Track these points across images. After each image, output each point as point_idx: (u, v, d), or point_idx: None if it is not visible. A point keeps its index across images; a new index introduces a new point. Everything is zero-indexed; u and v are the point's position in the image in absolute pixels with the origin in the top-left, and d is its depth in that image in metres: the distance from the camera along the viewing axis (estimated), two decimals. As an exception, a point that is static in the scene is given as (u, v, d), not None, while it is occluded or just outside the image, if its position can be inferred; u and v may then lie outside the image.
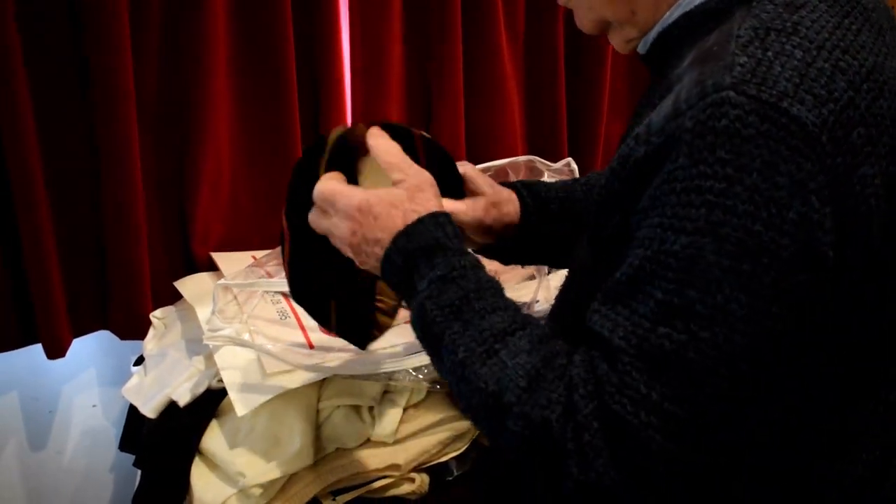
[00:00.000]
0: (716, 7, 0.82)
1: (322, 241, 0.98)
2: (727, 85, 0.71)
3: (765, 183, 0.70)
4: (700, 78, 0.74)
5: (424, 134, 1.08)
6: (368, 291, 1.11)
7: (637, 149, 0.76)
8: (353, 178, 1.03)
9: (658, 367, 0.72)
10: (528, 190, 1.16)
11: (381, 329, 1.14)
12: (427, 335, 0.86)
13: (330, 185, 0.95)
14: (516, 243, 1.15)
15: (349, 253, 0.94)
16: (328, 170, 1.00)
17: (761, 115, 0.70)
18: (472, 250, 1.16)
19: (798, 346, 0.75)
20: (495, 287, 0.86)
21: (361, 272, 0.98)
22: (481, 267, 0.88)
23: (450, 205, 1.08)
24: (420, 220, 0.88)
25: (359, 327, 1.13)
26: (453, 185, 1.10)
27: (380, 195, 0.91)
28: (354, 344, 1.14)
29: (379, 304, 1.12)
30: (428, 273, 0.86)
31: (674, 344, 0.72)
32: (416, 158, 1.07)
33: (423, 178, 0.94)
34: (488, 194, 1.11)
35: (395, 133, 1.03)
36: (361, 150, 1.01)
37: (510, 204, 1.13)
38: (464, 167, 1.13)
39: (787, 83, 0.71)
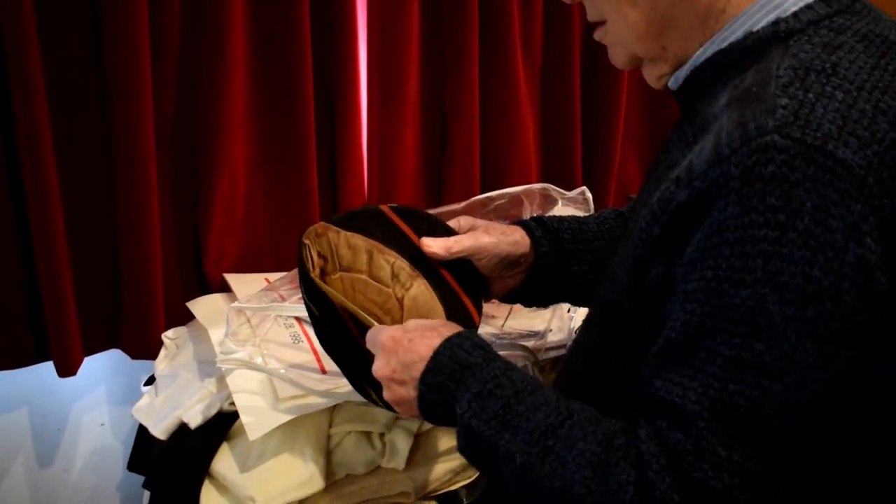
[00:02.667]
0: (751, 45, 0.82)
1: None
2: (771, 128, 0.70)
3: (818, 227, 0.69)
4: (741, 120, 0.73)
5: (391, 205, 1.09)
6: None
7: (678, 193, 0.75)
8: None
9: (735, 427, 0.71)
10: (535, 222, 1.16)
11: None
12: (480, 453, 0.85)
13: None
14: (534, 279, 1.14)
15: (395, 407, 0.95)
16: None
17: (807, 158, 0.69)
18: (497, 299, 1.16)
19: (864, 385, 0.74)
20: (532, 384, 0.86)
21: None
22: (513, 367, 0.88)
23: (452, 238, 1.09)
24: (437, 353, 0.89)
25: None
26: (445, 234, 1.11)
27: (405, 330, 0.93)
28: None
29: None
30: (465, 395, 0.85)
31: (747, 401, 0.70)
32: (395, 229, 1.08)
33: (428, 322, 0.95)
34: (484, 225, 1.11)
35: (363, 214, 1.06)
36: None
37: (515, 232, 1.12)
38: (456, 219, 1.13)
39: (830, 125, 0.71)
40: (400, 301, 1.07)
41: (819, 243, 0.69)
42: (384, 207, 1.09)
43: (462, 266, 1.10)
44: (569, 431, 0.80)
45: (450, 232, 1.11)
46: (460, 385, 0.86)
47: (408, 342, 0.91)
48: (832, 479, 0.78)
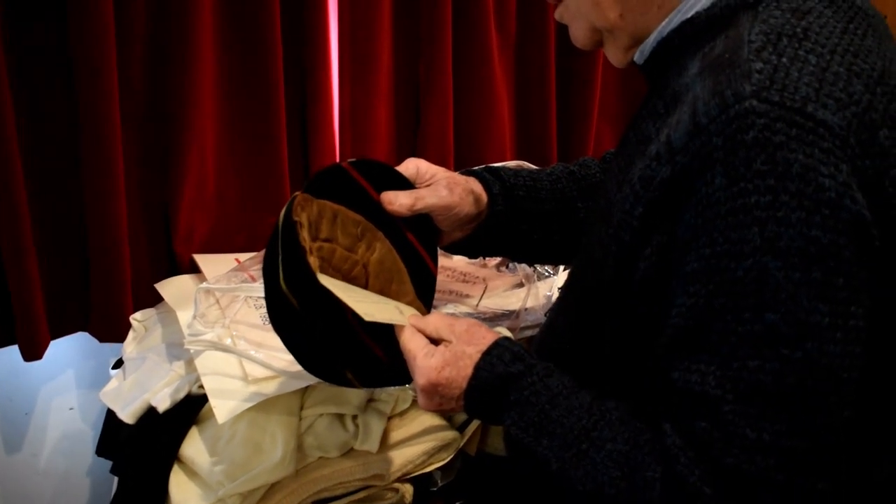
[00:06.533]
0: (719, 13, 0.80)
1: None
2: (748, 94, 0.69)
3: (808, 186, 0.68)
4: (717, 88, 0.72)
5: (350, 160, 1.07)
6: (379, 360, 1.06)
7: (661, 169, 0.74)
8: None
9: (761, 405, 0.69)
10: (492, 175, 1.14)
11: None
12: (526, 458, 0.86)
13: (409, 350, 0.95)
14: (480, 234, 1.13)
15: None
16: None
17: (788, 121, 0.68)
18: (444, 248, 1.16)
19: (875, 344, 0.73)
20: (566, 387, 0.86)
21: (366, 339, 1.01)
22: (551, 373, 0.88)
23: (413, 194, 1.06)
24: (478, 368, 0.89)
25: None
26: (401, 186, 1.09)
27: (442, 366, 0.92)
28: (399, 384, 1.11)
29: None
30: (506, 404, 0.87)
31: (769, 375, 0.68)
32: (357, 186, 1.06)
33: (459, 330, 0.94)
34: (444, 177, 1.09)
35: (327, 178, 1.04)
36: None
37: (475, 186, 1.11)
38: (415, 162, 1.11)
39: (807, 88, 0.70)
40: (366, 266, 1.06)
41: (813, 202, 0.67)
42: (345, 164, 1.06)
43: (419, 219, 1.09)
44: (600, 433, 0.80)
45: (406, 184, 1.09)
46: (503, 396, 0.87)
47: (445, 381, 0.91)
48: (861, 445, 0.77)
